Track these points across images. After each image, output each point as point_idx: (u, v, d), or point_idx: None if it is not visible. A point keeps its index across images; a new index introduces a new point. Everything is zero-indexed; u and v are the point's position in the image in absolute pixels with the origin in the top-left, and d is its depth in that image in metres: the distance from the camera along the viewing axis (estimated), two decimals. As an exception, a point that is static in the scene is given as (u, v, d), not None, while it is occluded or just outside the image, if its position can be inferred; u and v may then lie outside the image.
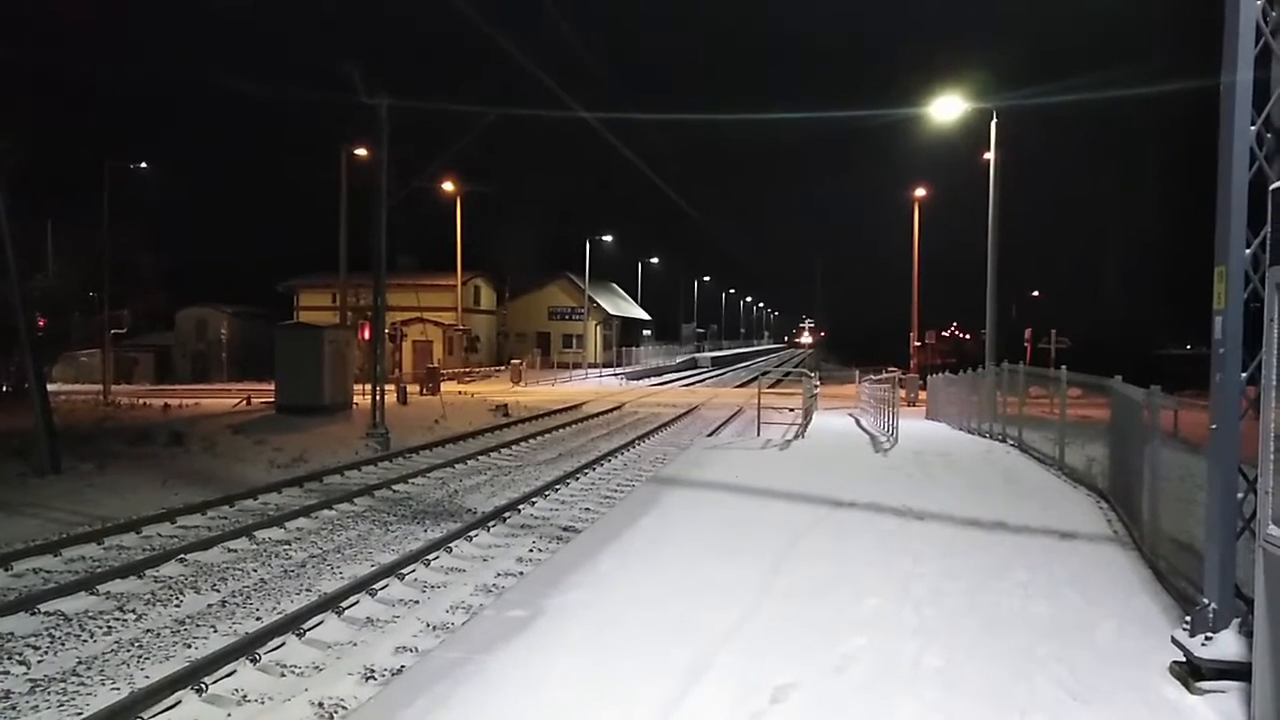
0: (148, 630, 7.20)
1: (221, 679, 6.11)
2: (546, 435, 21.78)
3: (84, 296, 33.18)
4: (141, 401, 28.17)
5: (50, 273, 29.93)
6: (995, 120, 21.78)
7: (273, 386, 23.86)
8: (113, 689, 6.02)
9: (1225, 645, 4.43)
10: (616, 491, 13.69)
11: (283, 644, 6.79)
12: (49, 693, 5.97)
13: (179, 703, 5.75)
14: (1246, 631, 4.34)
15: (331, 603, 7.68)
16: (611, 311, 70.45)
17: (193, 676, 5.99)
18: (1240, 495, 4.51)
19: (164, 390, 36.52)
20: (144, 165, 33.75)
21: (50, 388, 18.25)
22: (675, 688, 4.53)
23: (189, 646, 6.84)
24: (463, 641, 5.33)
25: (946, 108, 21.35)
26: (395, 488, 13.85)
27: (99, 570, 8.74)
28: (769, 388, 38.01)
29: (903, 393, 23.87)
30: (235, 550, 9.80)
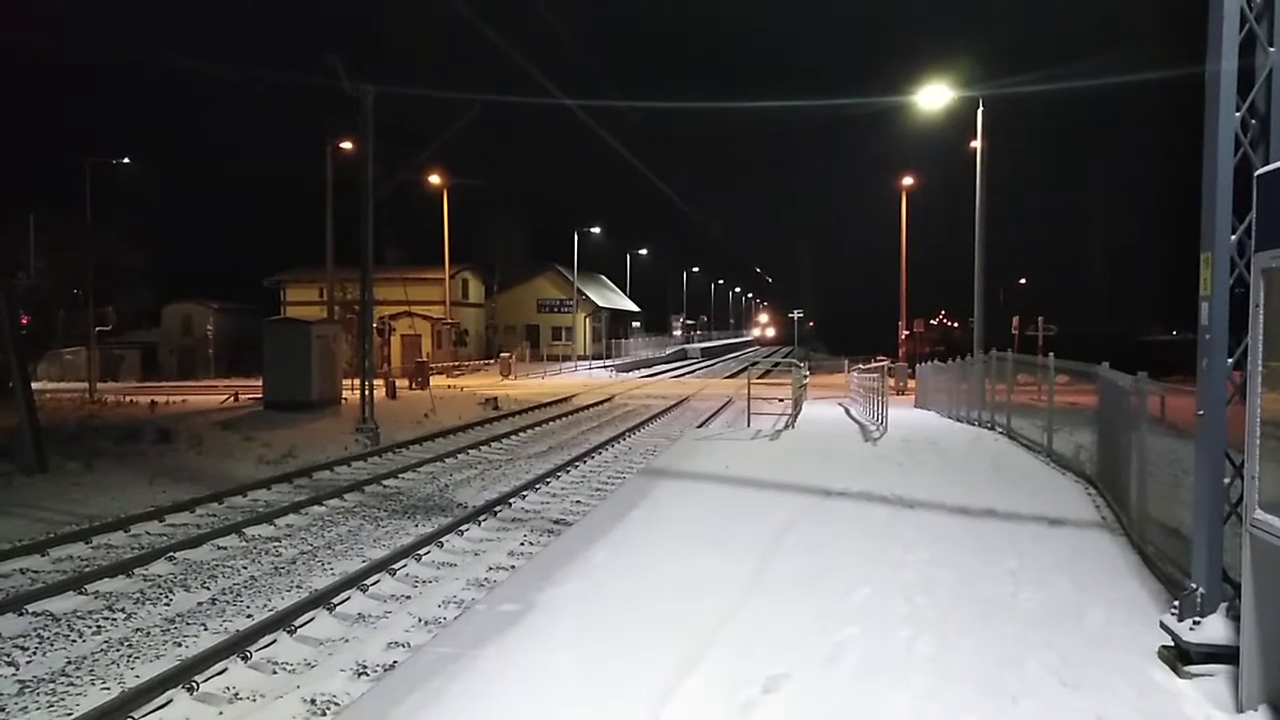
0: (137, 629, 7.16)
1: (213, 677, 6.09)
2: (537, 428, 21.75)
3: (68, 293, 32.90)
4: (128, 399, 27.95)
5: (33, 270, 29.67)
6: (981, 108, 21.83)
7: (260, 382, 23.76)
8: (103, 689, 5.99)
9: (1213, 629, 4.47)
10: (608, 484, 13.69)
11: (274, 641, 6.77)
12: (38, 694, 5.94)
13: (170, 702, 5.73)
14: (1234, 615, 4.37)
15: (323, 599, 7.66)
16: (600, 303, 70.34)
17: (184, 675, 5.96)
18: (1227, 480, 4.53)
19: (150, 387, 36.26)
20: (126, 160, 33.52)
21: (35, 386, 18.11)
22: (668, 678, 4.54)
23: (180, 645, 6.81)
24: (454, 636, 5.33)
25: (933, 96, 21.37)
26: (385, 483, 13.81)
27: (87, 570, 8.69)
28: (759, 378, 38.22)
29: (891, 381, 23.93)
30: (225, 548, 9.76)
